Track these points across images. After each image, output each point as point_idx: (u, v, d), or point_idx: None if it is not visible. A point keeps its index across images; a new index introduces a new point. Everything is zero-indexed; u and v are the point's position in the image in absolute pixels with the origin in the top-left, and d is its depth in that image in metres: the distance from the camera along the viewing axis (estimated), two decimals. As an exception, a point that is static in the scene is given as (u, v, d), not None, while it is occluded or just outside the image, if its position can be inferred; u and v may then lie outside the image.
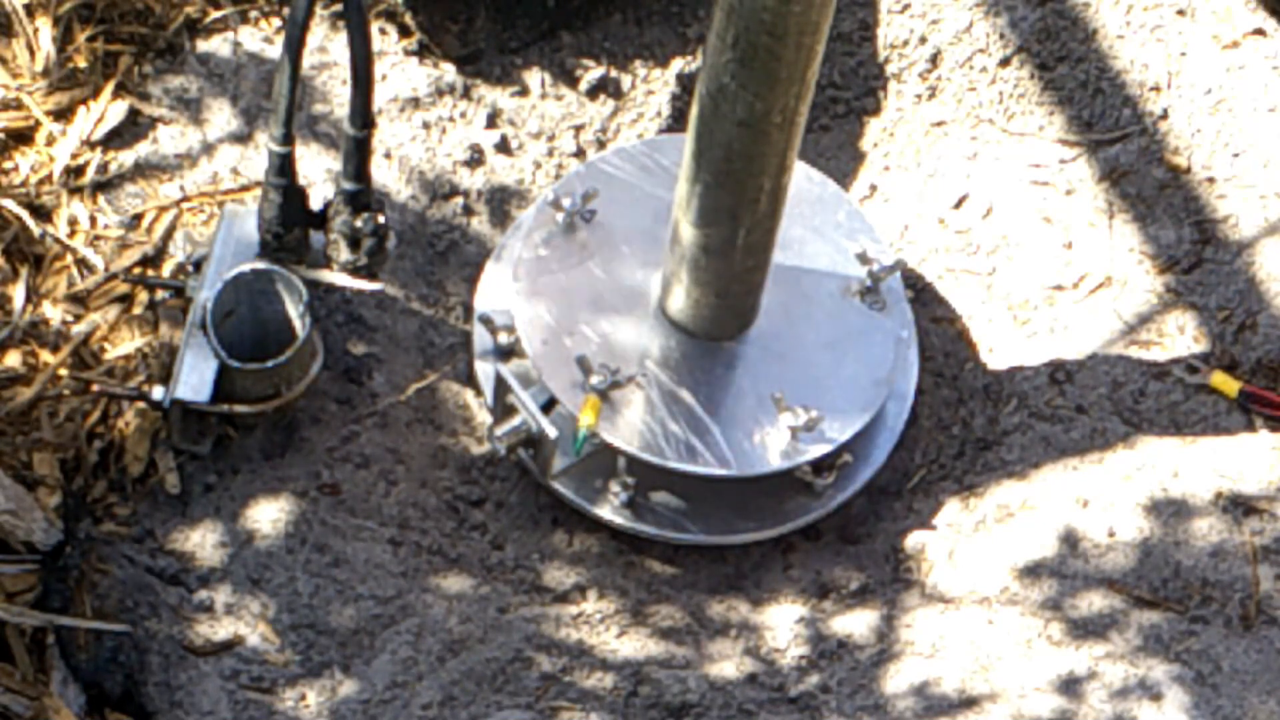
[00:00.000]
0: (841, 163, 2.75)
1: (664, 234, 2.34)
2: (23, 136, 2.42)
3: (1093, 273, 2.62)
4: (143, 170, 2.45)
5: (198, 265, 2.35)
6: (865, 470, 2.49)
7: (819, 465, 2.43)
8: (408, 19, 2.61)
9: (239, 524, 2.28)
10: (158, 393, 2.24)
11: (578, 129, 2.68)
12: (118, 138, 2.46)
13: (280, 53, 2.15)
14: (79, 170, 2.42)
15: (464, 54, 2.65)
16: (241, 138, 2.50)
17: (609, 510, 2.42)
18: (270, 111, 2.21)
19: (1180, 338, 2.53)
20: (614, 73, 2.70)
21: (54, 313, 2.32)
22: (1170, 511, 2.33)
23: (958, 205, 2.70)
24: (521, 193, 2.64)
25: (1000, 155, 2.71)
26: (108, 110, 2.46)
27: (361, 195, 2.26)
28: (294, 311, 2.31)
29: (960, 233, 2.68)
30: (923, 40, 2.74)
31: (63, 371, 2.27)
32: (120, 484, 2.27)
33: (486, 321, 2.51)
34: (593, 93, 2.69)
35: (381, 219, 2.28)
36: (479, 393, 2.51)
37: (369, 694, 2.16)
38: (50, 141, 2.42)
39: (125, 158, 2.45)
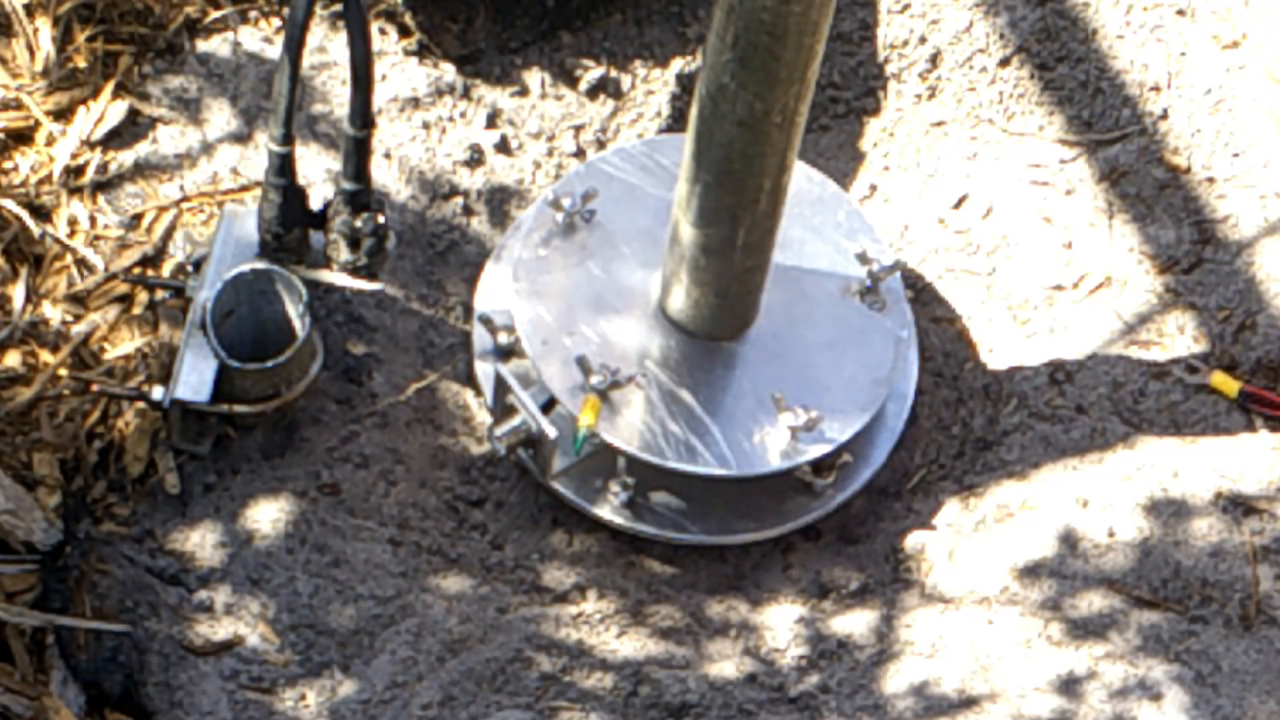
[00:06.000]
0: (841, 163, 2.75)
1: (664, 234, 2.34)
2: (23, 136, 2.42)
3: (1093, 273, 2.62)
4: (142, 170, 2.45)
5: (198, 265, 2.35)
6: (865, 470, 2.49)
7: (819, 465, 2.43)
8: (408, 19, 2.61)
9: (239, 524, 2.28)
10: (158, 393, 2.24)
11: (578, 129, 2.68)
12: (117, 138, 2.46)
13: (280, 53, 2.15)
14: (79, 170, 2.42)
15: (464, 54, 2.65)
16: (241, 138, 2.50)
17: (609, 510, 2.42)
18: (270, 111, 2.21)
19: (1180, 338, 2.53)
20: (614, 73, 2.70)
21: (54, 313, 2.32)
22: (1170, 511, 2.33)
23: (958, 205, 2.70)
24: (521, 193, 2.64)
25: (1000, 155, 2.71)
26: (107, 110, 2.46)
27: (361, 195, 2.26)
28: (294, 311, 2.31)
29: (960, 233, 2.68)
30: (923, 40, 2.74)
31: (63, 371, 2.27)
32: (120, 484, 2.27)
33: (486, 321, 2.51)
34: (593, 93, 2.69)
35: (381, 219, 2.28)
36: (479, 393, 2.51)
37: (369, 694, 2.16)
38: (50, 141, 2.42)
39: (125, 158, 2.45)
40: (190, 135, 2.48)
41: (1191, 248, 2.59)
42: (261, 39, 2.56)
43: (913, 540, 2.43)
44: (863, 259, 2.50)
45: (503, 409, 2.39)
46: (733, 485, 2.41)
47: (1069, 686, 2.20)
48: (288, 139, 2.22)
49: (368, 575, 2.29)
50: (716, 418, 2.39)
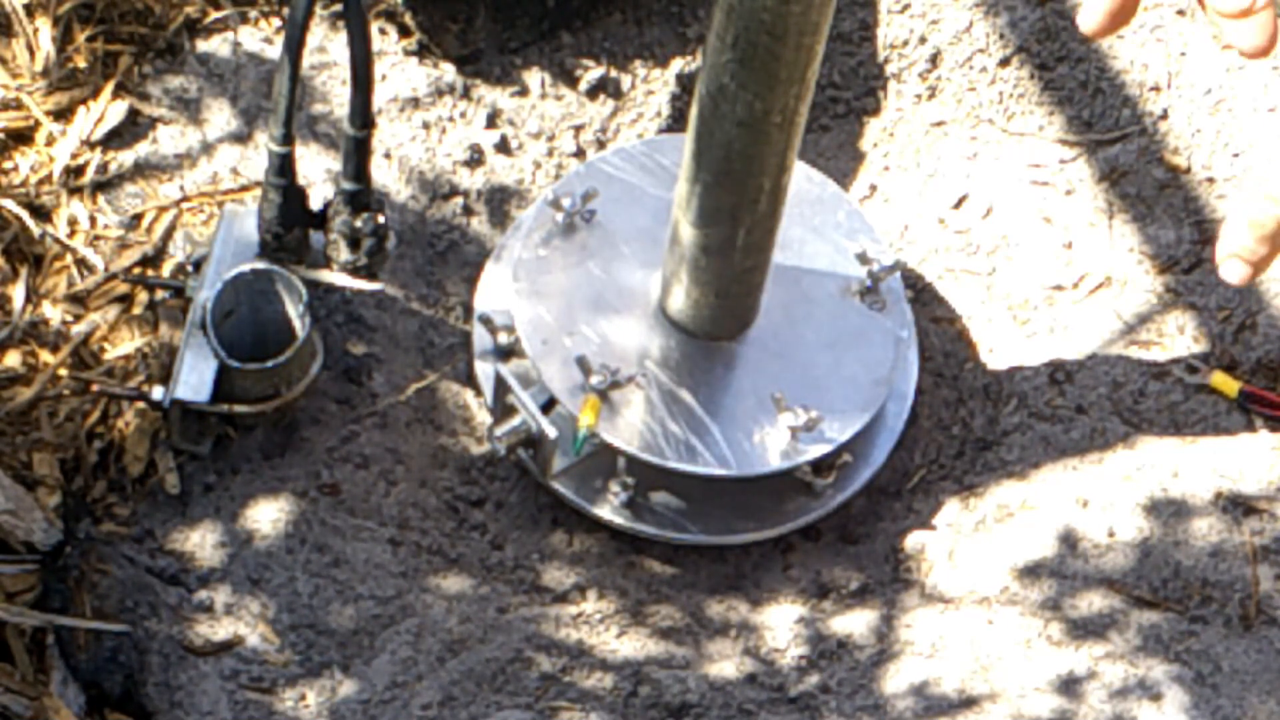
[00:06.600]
0: (841, 163, 2.75)
1: (664, 234, 2.34)
2: (23, 136, 2.42)
3: (1093, 273, 2.62)
4: (142, 170, 2.45)
5: (198, 265, 2.35)
6: (865, 470, 2.49)
7: (819, 465, 2.43)
8: (408, 19, 2.61)
9: (239, 524, 2.28)
10: (158, 393, 2.24)
11: (578, 129, 2.68)
12: (117, 138, 2.46)
13: (280, 53, 2.15)
14: (79, 170, 2.42)
15: (464, 54, 2.65)
16: (241, 138, 2.50)
17: (609, 510, 2.42)
18: (270, 111, 2.21)
19: (1180, 338, 2.53)
20: (614, 73, 2.70)
21: (54, 313, 2.32)
22: (1170, 511, 2.33)
23: (958, 205, 2.70)
24: (521, 193, 2.64)
25: (1000, 155, 2.71)
26: (107, 110, 2.46)
27: (361, 195, 2.26)
28: (294, 311, 2.31)
29: (960, 233, 2.68)
30: (923, 40, 2.74)
31: (63, 371, 2.27)
32: (120, 484, 2.27)
33: (486, 321, 2.51)
34: (593, 93, 2.70)
35: (381, 219, 2.28)
36: (479, 393, 2.51)
37: (369, 694, 2.16)
38: (50, 141, 2.42)
39: (125, 158, 2.45)
40: (190, 135, 2.48)
41: (1191, 248, 2.59)
42: (261, 39, 2.56)
43: (913, 540, 2.43)
44: (863, 259, 2.50)
45: (503, 409, 2.39)
46: (733, 485, 2.41)
47: (1069, 686, 2.20)
48: (288, 139, 2.22)
49: (368, 575, 2.29)
50: (716, 418, 2.39)
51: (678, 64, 2.72)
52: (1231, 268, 1.36)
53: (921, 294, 2.65)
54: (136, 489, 2.27)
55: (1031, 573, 2.32)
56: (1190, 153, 2.63)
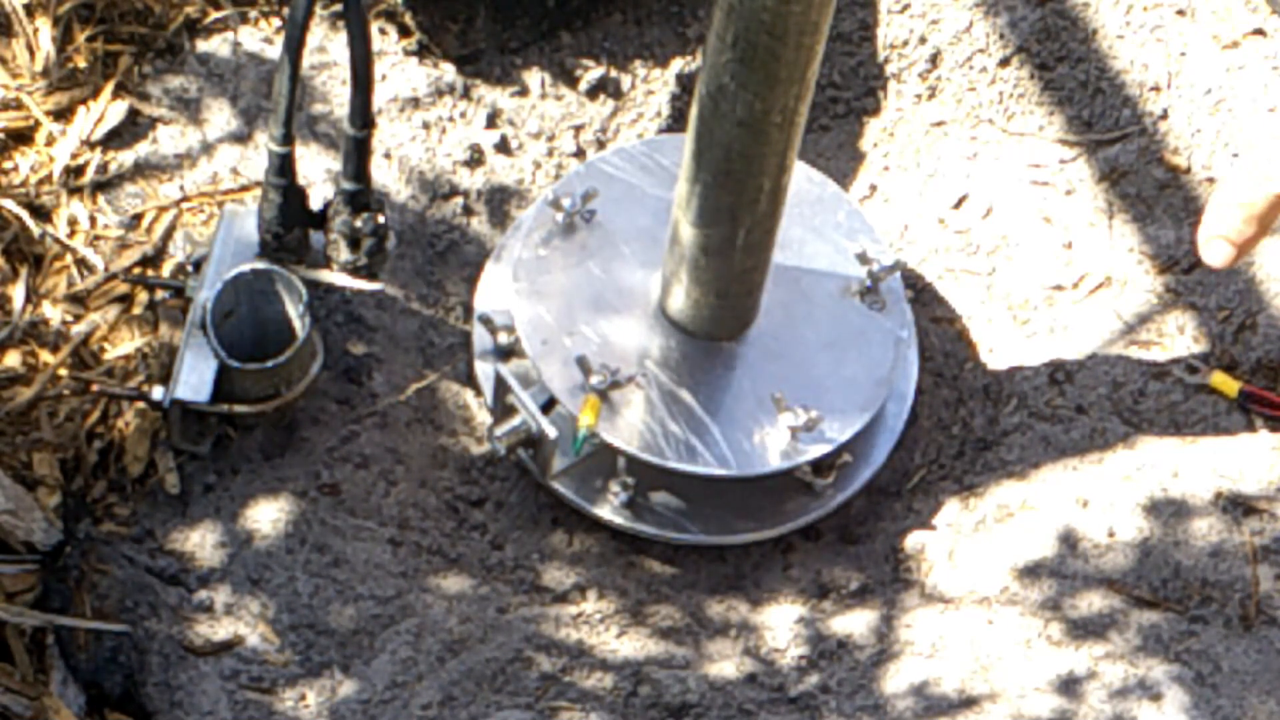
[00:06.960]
0: (841, 163, 2.75)
1: (664, 234, 2.34)
2: (23, 136, 2.42)
3: (1093, 273, 2.62)
4: (142, 170, 2.45)
5: (198, 265, 2.35)
6: (865, 470, 2.49)
7: (819, 465, 2.43)
8: (408, 19, 2.61)
9: (239, 524, 2.28)
10: (158, 393, 2.24)
11: (578, 129, 2.68)
12: (117, 138, 2.46)
13: (280, 53, 2.15)
14: (79, 170, 2.42)
15: (464, 54, 2.65)
16: (241, 138, 2.50)
17: (609, 510, 2.42)
18: (270, 111, 2.21)
19: (1180, 338, 2.53)
20: (614, 73, 2.70)
21: (54, 313, 2.32)
22: (1170, 511, 2.33)
23: (958, 205, 2.70)
24: (521, 193, 2.64)
25: (1000, 155, 2.71)
26: (107, 110, 2.46)
27: (361, 195, 2.26)
28: (294, 311, 2.31)
29: (960, 233, 2.68)
30: (923, 40, 2.74)
31: (62, 371, 2.27)
32: (120, 484, 2.27)
33: (486, 321, 2.51)
34: (593, 93, 2.70)
35: (381, 219, 2.28)
36: (479, 393, 2.51)
37: (369, 694, 2.16)
38: (50, 141, 2.42)
39: (125, 158, 2.45)
40: (190, 135, 2.48)
41: (1191, 248, 2.59)
42: (261, 39, 2.56)
43: (913, 540, 2.43)
44: (863, 259, 2.50)
45: (503, 409, 2.39)
46: (733, 485, 2.41)
47: (1069, 686, 2.20)
48: (288, 139, 2.22)
49: (368, 575, 2.29)
50: (716, 418, 2.39)
51: (678, 64, 2.72)
52: (1215, 249, 1.36)
53: (921, 294, 2.65)
54: (136, 489, 2.27)
55: (1031, 573, 2.32)
56: (1190, 153, 2.63)
